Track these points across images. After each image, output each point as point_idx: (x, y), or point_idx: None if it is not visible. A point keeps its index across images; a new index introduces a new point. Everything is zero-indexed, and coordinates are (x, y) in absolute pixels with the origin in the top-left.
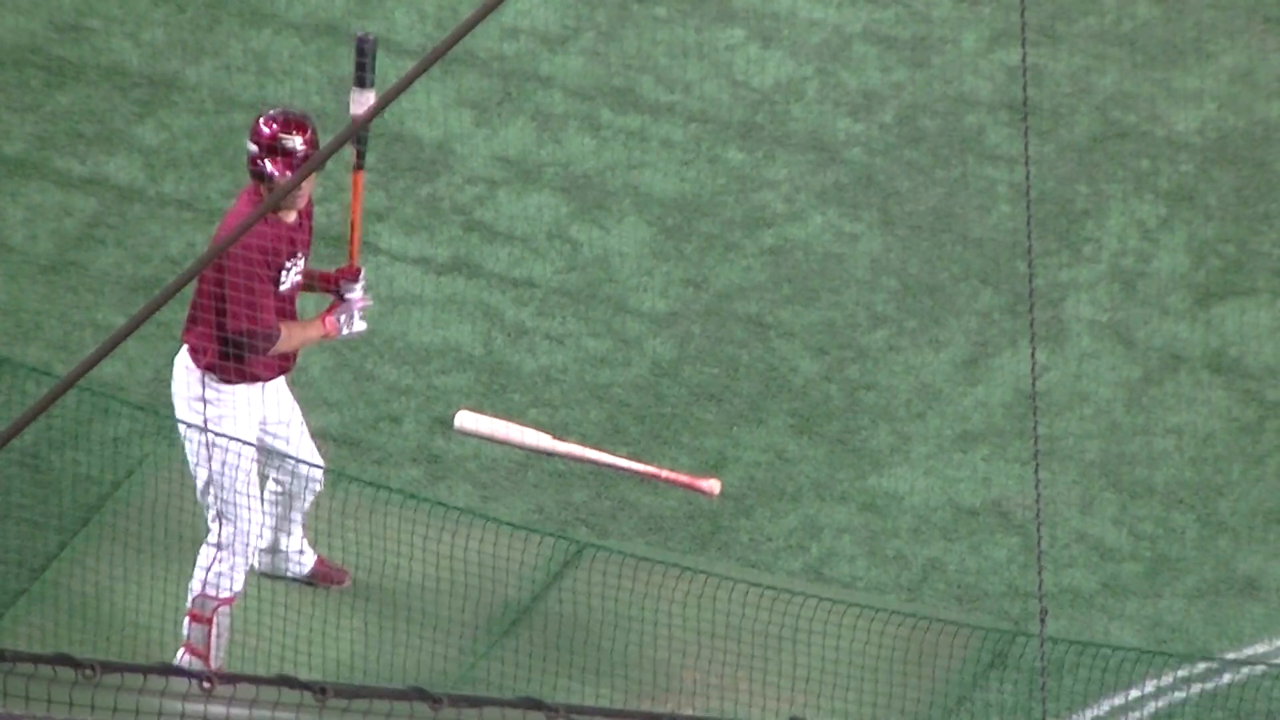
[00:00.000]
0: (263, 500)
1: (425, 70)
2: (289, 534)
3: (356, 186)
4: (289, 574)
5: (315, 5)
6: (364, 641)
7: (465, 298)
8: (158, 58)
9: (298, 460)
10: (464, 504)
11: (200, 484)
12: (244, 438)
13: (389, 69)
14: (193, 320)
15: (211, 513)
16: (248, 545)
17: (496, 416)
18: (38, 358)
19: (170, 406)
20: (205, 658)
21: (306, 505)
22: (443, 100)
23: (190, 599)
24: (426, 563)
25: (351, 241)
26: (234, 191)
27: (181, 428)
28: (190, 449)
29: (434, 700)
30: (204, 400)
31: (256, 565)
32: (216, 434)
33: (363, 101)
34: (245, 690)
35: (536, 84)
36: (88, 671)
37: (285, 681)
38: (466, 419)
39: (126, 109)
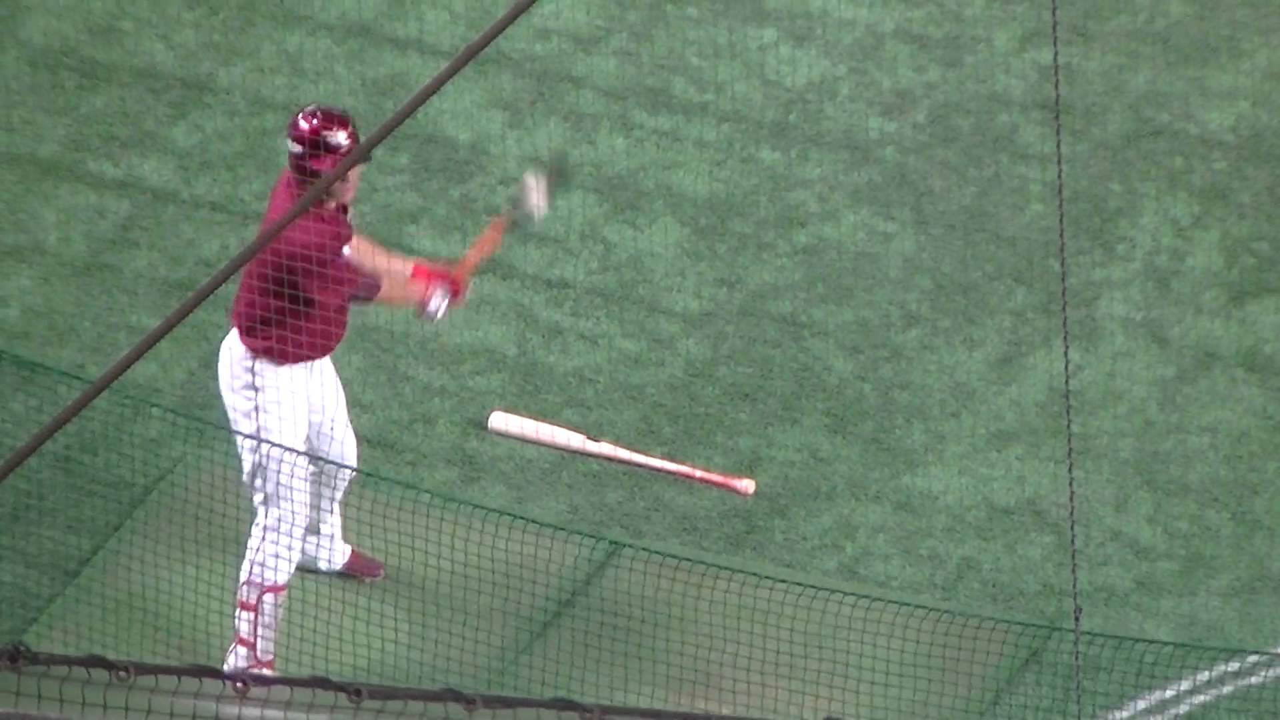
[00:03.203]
0: (308, 484)
1: (457, 71)
2: (323, 522)
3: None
4: (321, 567)
5: (348, 6)
6: (397, 642)
7: (499, 299)
8: (191, 60)
9: (303, 453)
10: (498, 505)
11: (247, 468)
12: (293, 421)
13: (421, 70)
14: (248, 304)
15: (259, 497)
16: (293, 530)
17: (530, 417)
18: (72, 360)
19: (207, 397)
20: (251, 647)
21: (339, 494)
22: (475, 101)
23: (239, 587)
24: (463, 563)
25: (468, 264)
26: (266, 193)
27: (230, 413)
28: (239, 435)
29: (468, 701)
30: (254, 387)
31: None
32: (263, 412)
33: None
34: (280, 692)
35: (569, 84)
36: (121, 673)
37: (320, 683)
38: (500, 420)
39: (160, 111)
